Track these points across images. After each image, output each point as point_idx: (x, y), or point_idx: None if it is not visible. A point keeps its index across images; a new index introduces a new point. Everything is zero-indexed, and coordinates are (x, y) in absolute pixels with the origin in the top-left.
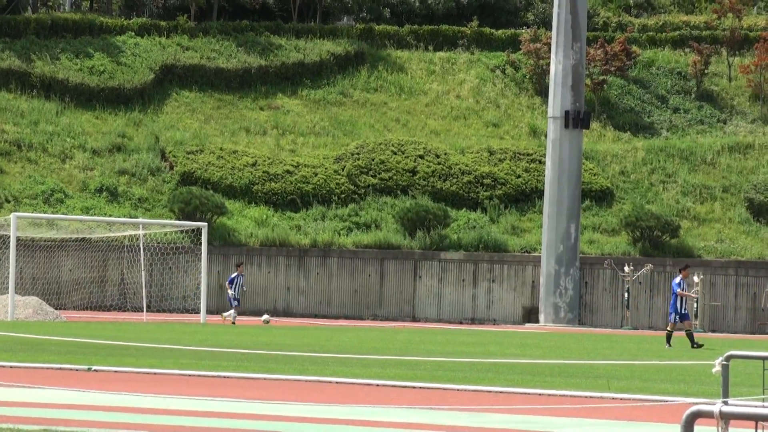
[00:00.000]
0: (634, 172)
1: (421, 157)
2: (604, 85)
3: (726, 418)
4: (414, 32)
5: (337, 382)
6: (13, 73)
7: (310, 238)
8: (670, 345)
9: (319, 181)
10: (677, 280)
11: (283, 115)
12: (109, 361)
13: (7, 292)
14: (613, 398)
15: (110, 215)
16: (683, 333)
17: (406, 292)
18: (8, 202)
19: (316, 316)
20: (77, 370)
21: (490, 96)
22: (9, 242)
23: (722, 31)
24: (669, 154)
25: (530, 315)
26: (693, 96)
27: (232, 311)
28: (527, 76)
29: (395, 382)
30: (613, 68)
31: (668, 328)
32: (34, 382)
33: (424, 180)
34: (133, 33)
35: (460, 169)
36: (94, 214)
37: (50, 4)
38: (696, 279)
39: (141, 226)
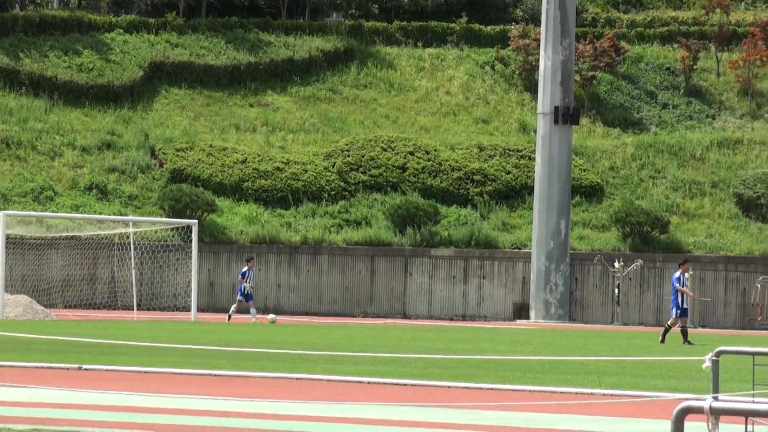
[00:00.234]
0: (623, 168)
1: (411, 153)
2: (593, 81)
3: (716, 413)
4: (403, 28)
5: (328, 380)
6: (2, 71)
7: (300, 236)
8: (663, 341)
9: (309, 178)
10: (677, 274)
11: (273, 112)
12: (99, 360)
13: None
14: (603, 394)
15: (100, 213)
16: (678, 329)
17: (397, 289)
18: None
19: (306, 314)
20: (68, 368)
21: (479, 92)
22: None
23: (710, 27)
24: (658, 149)
25: (521, 311)
26: (682, 91)
27: (253, 310)
28: (516, 72)
29: (386, 380)
30: (602, 64)
31: (668, 323)
32: (24, 381)
33: (414, 176)
34: (121, 30)
35: (450, 165)
36: (84, 212)
37: (38, 1)
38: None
39: (131, 223)
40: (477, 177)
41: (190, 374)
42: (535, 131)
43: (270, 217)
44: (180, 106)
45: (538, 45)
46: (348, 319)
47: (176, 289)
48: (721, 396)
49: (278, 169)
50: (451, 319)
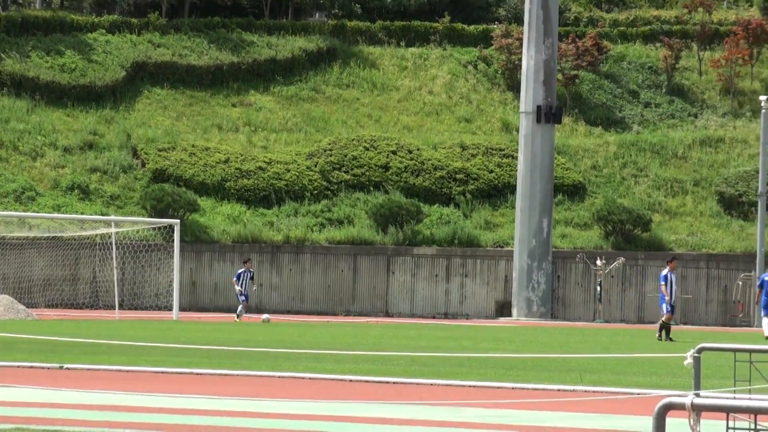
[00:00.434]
0: (605, 167)
1: (394, 152)
2: (576, 80)
3: (698, 410)
4: (386, 28)
5: (310, 378)
6: None
7: (282, 235)
8: (661, 337)
9: (291, 177)
10: (664, 272)
11: (256, 111)
12: (81, 359)
13: None
14: (585, 391)
15: (82, 213)
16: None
17: (379, 288)
18: None
19: (289, 312)
20: (49, 368)
21: (462, 91)
22: None
23: (693, 26)
24: (640, 148)
25: (503, 309)
26: (664, 90)
27: (240, 307)
28: (499, 72)
29: (369, 378)
30: (584, 63)
31: (663, 320)
32: (5, 381)
33: (396, 176)
34: (104, 30)
35: (432, 164)
36: (66, 212)
37: (21, 1)
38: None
39: (113, 223)
40: (459, 176)
41: (172, 373)
42: (517, 130)
43: (252, 217)
44: (162, 106)
45: (521, 44)
46: (330, 317)
47: (158, 289)
48: (702, 392)
49: (261, 168)
50: (434, 318)
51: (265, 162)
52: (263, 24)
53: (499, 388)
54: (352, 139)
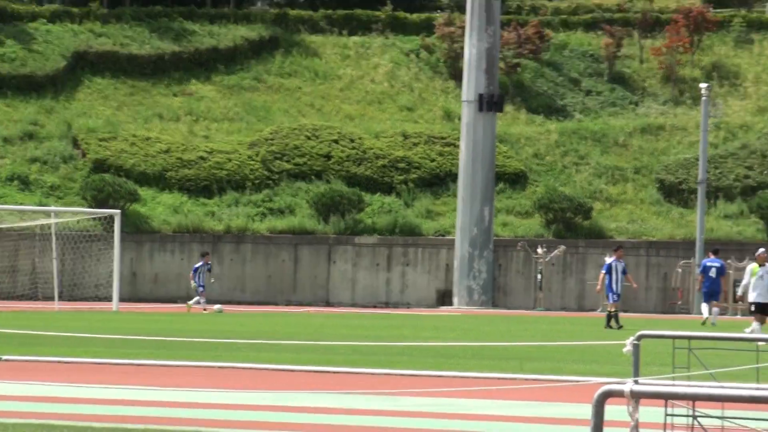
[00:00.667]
0: (547, 155)
1: (336, 141)
2: (518, 69)
3: (636, 397)
4: (328, 17)
5: (251, 368)
6: None
7: (224, 225)
8: (611, 326)
9: (233, 167)
10: (608, 260)
11: (197, 101)
12: (20, 351)
13: None
14: (525, 379)
15: (21, 203)
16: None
17: (321, 277)
18: None
19: (230, 303)
20: None
21: (404, 80)
22: None
23: (634, 14)
24: (582, 136)
25: (444, 298)
26: (605, 78)
27: (197, 298)
28: (441, 60)
29: (310, 367)
30: (526, 51)
31: (610, 309)
32: None
33: (338, 165)
34: (45, 20)
35: (374, 153)
36: (5, 203)
37: None
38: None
39: (53, 214)
40: (401, 165)
41: (111, 364)
42: (459, 119)
43: (193, 207)
44: (103, 96)
45: (463, 32)
46: (271, 307)
47: (98, 280)
48: (641, 380)
49: (202, 158)
50: (375, 307)
51: (206, 152)
52: (205, 13)
53: (439, 376)
54: (294, 129)
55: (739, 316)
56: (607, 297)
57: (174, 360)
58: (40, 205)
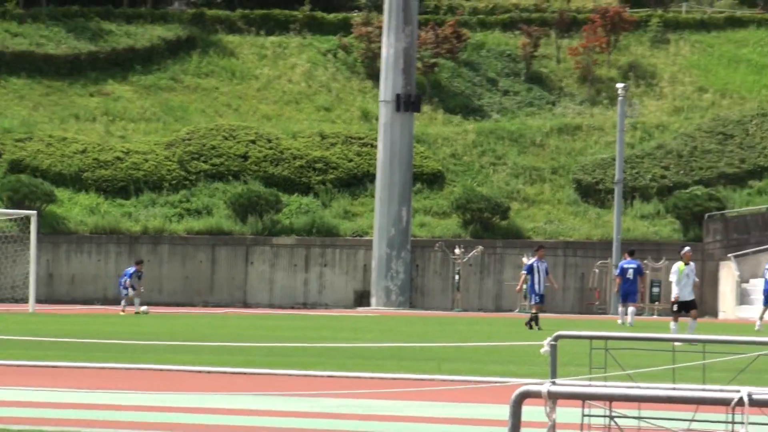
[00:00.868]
0: (464, 155)
1: (253, 142)
2: (435, 68)
3: (554, 397)
4: (245, 17)
5: (168, 370)
6: None
7: (140, 225)
8: (534, 327)
9: (150, 167)
10: (530, 261)
11: (114, 101)
12: None
13: None
14: (443, 380)
15: None
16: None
17: (238, 278)
18: None
19: (148, 304)
20: None
21: (321, 80)
22: None
23: (551, 14)
24: (499, 136)
25: (362, 299)
26: (522, 78)
27: (125, 303)
28: (359, 60)
29: (228, 369)
30: (443, 51)
31: (533, 310)
32: None
33: (255, 165)
34: None
35: (291, 153)
36: None
37: None
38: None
39: None
40: (319, 165)
41: (27, 366)
42: (377, 119)
43: (110, 207)
44: (19, 96)
45: (381, 32)
46: (189, 308)
47: (14, 281)
48: (558, 380)
49: (119, 158)
50: (293, 308)
51: (123, 152)
52: (122, 13)
53: (357, 377)
54: (211, 129)
55: (655, 317)
56: (530, 298)
57: (91, 362)
58: None
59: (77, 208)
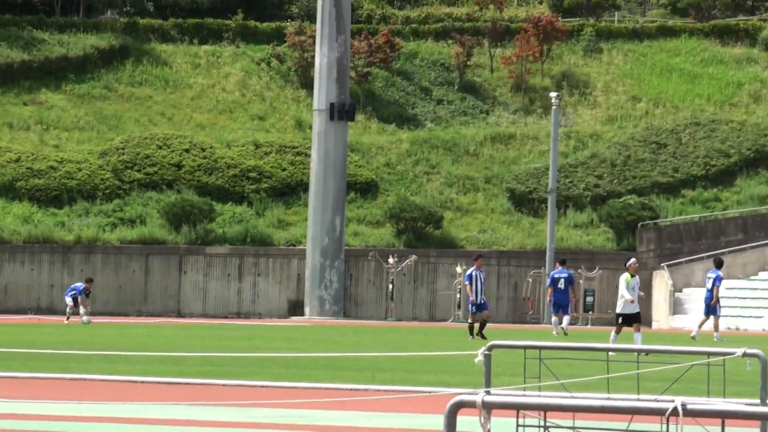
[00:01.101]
0: (398, 164)
1: (187, 151)
2: (369, 78)
3: (488, 407)
4: (178, 26)
5: (102, 380)
6: None
7: (74, 235)
8: (472, 337)
9: (83, 176)
10: (469, 271)
11: (47, 110)
12: None
13: None
14: (378, 390)
15: None
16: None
17: (172, 288)
18: None
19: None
20: None
21: (255, 89)
22: None
23: (484, 23)
24: (433, 145)
25: (296, 308)
26: (456, 87)
27: (70, 312)
28: (292, 69)
29: (160, 378)
30: (377, 60)
31: (469, 321)
32: None
33: (189, 174)
34: None
35: (225, 162)
36: None
37: None
38: (459, 269)
39: None
40: (253, 174)
41: None
42: (311, 128)
43: (43, 217)
44: None
45: (314, 42)
46: (122, 318)
47: None
48: (493, 390)
49: (52, 167)
50: (226, 317)
51: (56, 161)
52: (55, 22)
53: (291, 387)
54: (145, 138)
55: (589, 326)
56: (468, 308)
57: (23, 372)
58: None
59: (10, 218)
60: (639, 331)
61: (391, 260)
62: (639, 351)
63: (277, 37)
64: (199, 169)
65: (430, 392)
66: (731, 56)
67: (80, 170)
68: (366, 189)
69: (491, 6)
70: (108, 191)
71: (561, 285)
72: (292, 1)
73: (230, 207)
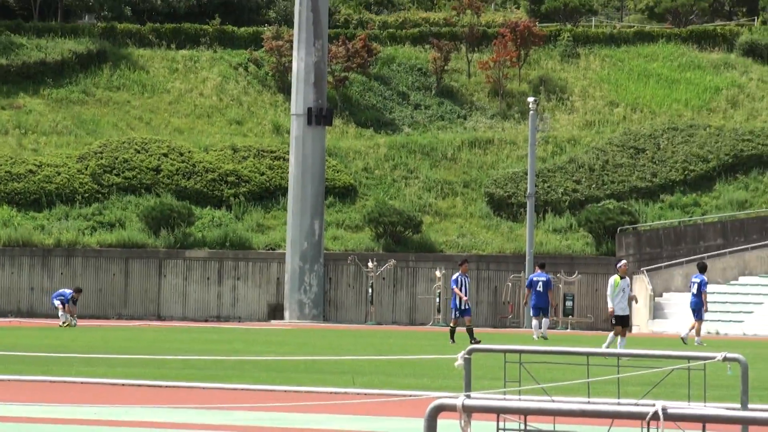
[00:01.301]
0: (376, 169)
1: (165, 155)
2: (346, 82)
3: (468, 411)
4: (156, 30)
5: (82, 383)
6: None
7: (53, 238)
8: (453, 341)
9: (62, 180)
10: (455, 276)
11: (26, 114)
12: None
13: None
14: (357, 393)
15: None
16: (464, 329)
17: (151, 291)
18: None
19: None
20: None
21: (233, 94)
22: None
23: (461, 28)
24: (411, 150)
25: (275, 312)
26: (433, 92)
27: (64, 315)
28: (270, 74)
29: (142, 381)
30: (354, 65)
31: (451, 324)
32: None
33: (168, 178)
34: None
35: (204, 167)
36: None
37: None
38: (438, 273)
39: None
40: (231, 178)
41: None
42: (288, 132)
43: (23, 220)
44: None
45: (292, 46)
46: (102, 321)
47: None
48: (473, 394)
49: (31, 171)
50: (206, 321)
51: (35, 165)
52: (32, 26)
53: (271, 390)
54: (123, 142)
55: (568, 330)
56: (452, 312)
57: (4, 374)
58: None
59: None
60: (624, 336)
61: (370, 264)
62: (620, 356)
63: (254, 42)
64: (177, 173)
65: (410, 396)
66: (709, 61)
67: (59, 174)
68: (344, 193)
69: (468, 11)
70: (87, 195)
71: (539, 288)
72: (270, 6)
73: (209, 211)
